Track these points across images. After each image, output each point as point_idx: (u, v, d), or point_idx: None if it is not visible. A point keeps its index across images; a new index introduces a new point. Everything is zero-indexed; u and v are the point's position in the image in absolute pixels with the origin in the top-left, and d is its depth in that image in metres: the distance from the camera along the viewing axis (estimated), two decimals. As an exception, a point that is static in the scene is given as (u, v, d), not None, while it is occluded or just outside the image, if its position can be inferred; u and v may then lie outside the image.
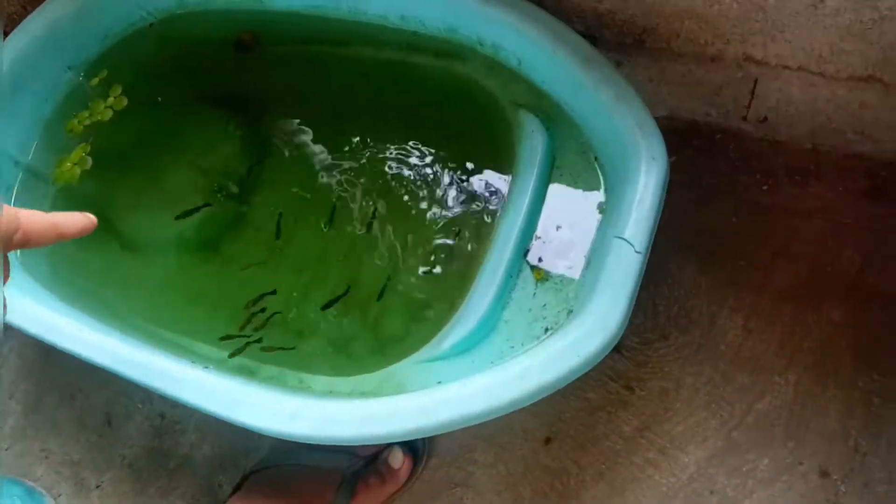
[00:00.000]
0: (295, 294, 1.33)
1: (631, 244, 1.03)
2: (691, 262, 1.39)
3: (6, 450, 1.39)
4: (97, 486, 1.37)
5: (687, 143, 1.40)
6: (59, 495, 1.37)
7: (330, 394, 1.17)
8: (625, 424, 1.29)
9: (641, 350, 1.27)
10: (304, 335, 1.30)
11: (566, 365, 0.98)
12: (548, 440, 1.30)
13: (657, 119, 1.13)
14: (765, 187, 1.43)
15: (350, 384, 1.17)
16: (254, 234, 1.40)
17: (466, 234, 1.28)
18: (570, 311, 1.12)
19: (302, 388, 1.18)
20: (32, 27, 1.39)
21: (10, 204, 1.19)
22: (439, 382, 1.11)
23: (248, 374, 1.23)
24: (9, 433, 1.41)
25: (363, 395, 1.15)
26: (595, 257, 1.13)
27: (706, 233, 1.46)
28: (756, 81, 1.33)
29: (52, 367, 1.40)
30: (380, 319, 1.28)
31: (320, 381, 1.18)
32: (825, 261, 1.33)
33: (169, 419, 1.40)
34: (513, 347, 1.13)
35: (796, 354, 1.19)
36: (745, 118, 1.45)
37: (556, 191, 1.24)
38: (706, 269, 1.40)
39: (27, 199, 1.36)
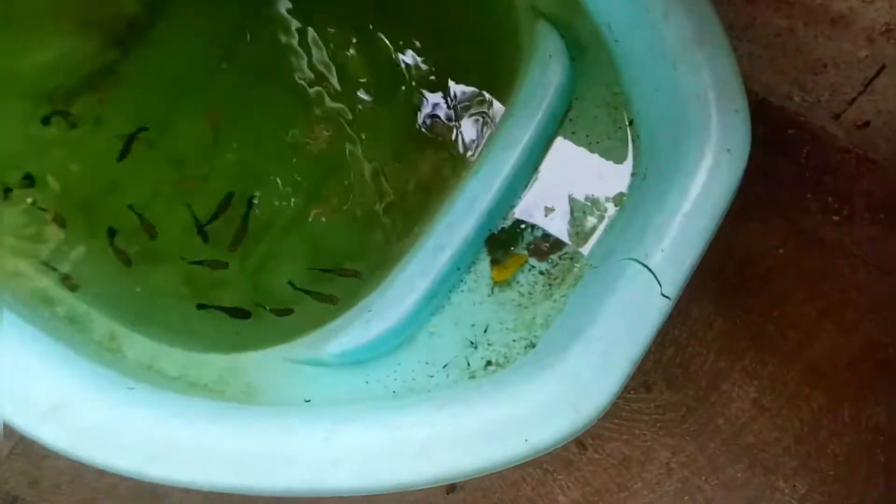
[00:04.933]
0: (165, 195, 0.90)
1: (657, 280, 0.63)
2: (708, 294, 1.00)
3: None
4: None
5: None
6: None
7: (148, 369, 0.77)
8: (560, 493, 0.93)
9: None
10: (151, 259, 0.89)
11: (503, 449, 0.60)
12: (451, 488, 0.93)
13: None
14: (835, 218, 1.03)
15: (180, 363, 0.77)
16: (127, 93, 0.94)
17: (410, 186, 0.85)
18: (532, 346, 0.73)
19: (109, 349, 0.77)
20: None
21: None
22: (307, 401, 0.72)
23: (49, 304, 0.81)
24: None
25: (193, 385, 0.75)
26: (594, 277, 0.73)
27: (740, 259, 1.06)
28: (882, 69, 0.91)
29: None
30: (257, 275, 0.86)
31: (140, 344, 0.78)
32: (890, 340, 0.95)
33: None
34: (431, 376, 0.74)
35: (815, 459, 0.94)
36: (837, 117, 1.03)
37: (560, 152, 0.81)
38: (725, 308, 1.01)
39: None
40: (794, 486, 0.93)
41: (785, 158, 1.11)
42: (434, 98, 0.96)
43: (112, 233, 0.89)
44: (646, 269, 0.64)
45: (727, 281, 1.03)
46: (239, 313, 0.86)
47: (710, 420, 0.96)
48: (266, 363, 0.79)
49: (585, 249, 0.77)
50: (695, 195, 0.66)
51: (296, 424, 0.67)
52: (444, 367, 0.75)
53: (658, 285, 0.63)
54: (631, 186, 0.79)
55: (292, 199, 0.94)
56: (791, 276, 1.02)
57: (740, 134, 0.69)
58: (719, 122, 0.70)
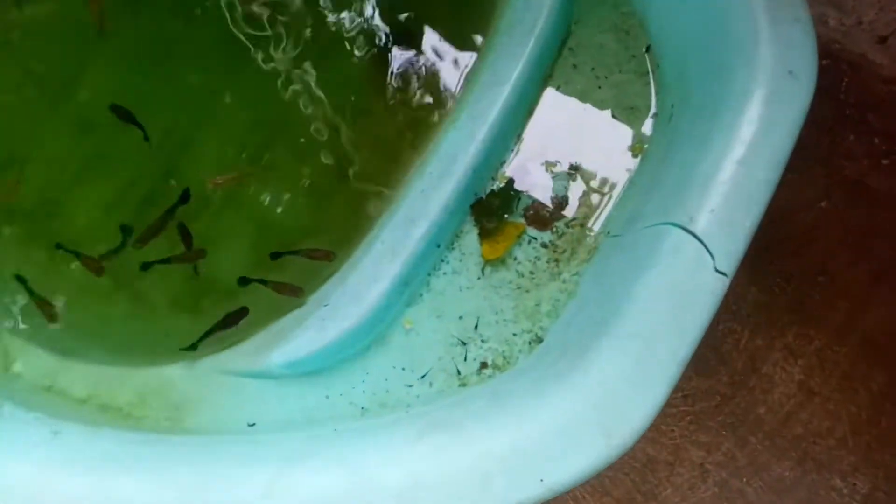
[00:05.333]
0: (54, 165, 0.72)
1: (708, 250, 0.46)
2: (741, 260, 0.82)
3: None
4: None
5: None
6: None
7: (47, 390, 0.59)
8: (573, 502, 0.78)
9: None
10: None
11: (509, 495, 0.43)
12: None
13: None
14: (884, 162, 0.87)
15: (86, 381, 0.60)
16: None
17: (376, 146, 0.68)
18: (538, 341, 0.57)
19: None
20: None
21: None
22: (251, 425, 0.55)
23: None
24: None
25: (104, 409, 0.58)
26: (615, 249, 0.56)
27: (776, 216, 0.87)
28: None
29: None
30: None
31: (35, 358, 0.60)
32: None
33: None
34: (409, 386, 0.58)
35: (877, 451, 0.79)
36: (884, 40, 0.87)
37: (559, 91, 0.64)
38: (761, 275, 0.85)
39: None
40: (854, 484, 0.78)
41: (820, 95, 0.93)
42: (402, 40, 0.77)
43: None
44: (691, 237, 0.47)
45: (761, 243, 0.86)
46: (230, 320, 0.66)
47: (750, 409, 0.80)
48: (198, 377, 0.62)
49: (600, 214, 0.60)
50: (749, 136, 0.49)
51: (230, 466, 0.50)
52: (427, 373, 0.59)
53: (710, 258, 0.46)
54: (654, 130, 0.62)
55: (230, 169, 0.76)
56: (836, 233, 0.85)
57: (805, 49, 0.52)
58: (774, 37, 0.52)
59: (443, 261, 0.61)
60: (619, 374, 0.45)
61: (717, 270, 0.46)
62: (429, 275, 0.61)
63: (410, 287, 0.59)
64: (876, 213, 0.86)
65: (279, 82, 0.77)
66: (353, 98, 0.73)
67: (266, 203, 0.74)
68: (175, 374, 0.62)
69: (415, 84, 0.70)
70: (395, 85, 0.71)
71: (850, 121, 0.90)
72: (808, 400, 0.81)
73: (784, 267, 0.85)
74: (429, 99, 0.68)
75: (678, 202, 0.48)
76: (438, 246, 0.60)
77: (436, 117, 0.67)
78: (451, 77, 0.69)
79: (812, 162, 0.89)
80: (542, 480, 0.44)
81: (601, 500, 0.80)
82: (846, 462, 0.78)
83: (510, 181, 0.62)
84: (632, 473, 0.80)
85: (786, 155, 0.48)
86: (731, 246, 0.46)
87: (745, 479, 0.79)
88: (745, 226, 0.46)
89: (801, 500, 0.78)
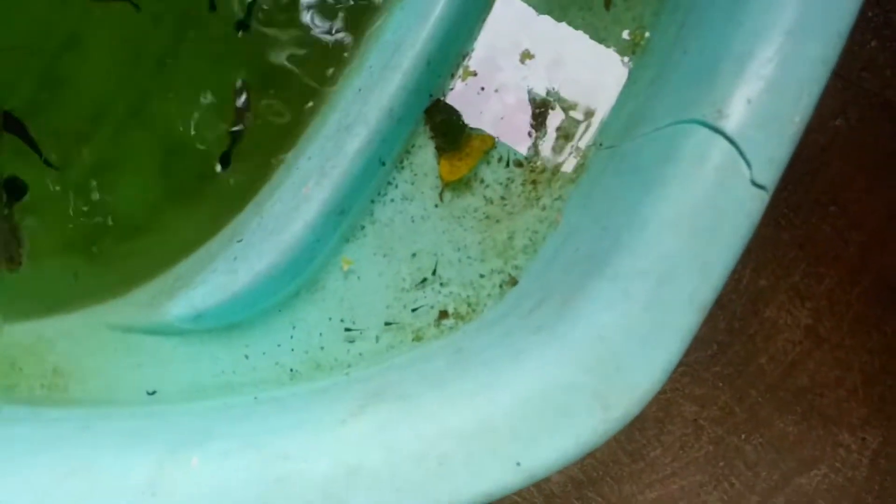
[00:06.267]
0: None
1: (742, 155, 0.34)
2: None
3: None
4: None
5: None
6: None
7: None
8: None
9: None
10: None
11: (476, 483, 0.31)
12: None
13: None
14: (908, 74, 0.75)
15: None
16: None
17: (303, 29, 0.53)
18: (511, 283, 0.45)
19: None
20: None
21: None
22: (151, 394, 0.43)
23: None
24: None
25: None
26: (610, 163, 0.43)
27: None
28: None
29: None
30: (87, 190, 0.55)
31: None
32: None
33: None
34: (350, 342, 0.45)
35: (890, 402, 0.72)
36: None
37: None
38: (766, 207, 0.71)
39: None
40: (864, 439, 0.69)
41: None
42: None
43: None
44: (720, 137, 0.34)
45: (767, 168, 0.74)
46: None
47: (750, 359, 0.71)
48: (81, 334, 0.49)
49: (591, 119, 0.47)
50: (798, -3, 0.36)
51: (107, 451, 0.38)
52: (370, 326, 0.46)
53: (745, 166, 0.34)
54: (656, 13, 0.48)
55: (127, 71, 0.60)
56: (852, 157, 0.74)
57: None
58: None
59: (389, 183, 0.48)
60: (620, 324, 0.34)
61: (753, 183, 0.34)
62: (372, 201, 0.47)
63: (347, 216, 0.46)
64: (896, 134, 0.75)
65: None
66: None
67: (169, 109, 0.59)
68: (49, 330, 0.48)
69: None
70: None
71: (872, 24, 0.78)
72: (815, 347, 0.71)
73: (792, 196, 0.74)
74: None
75: (702, 91, 0.36)
76: (383, 163, 0.47)
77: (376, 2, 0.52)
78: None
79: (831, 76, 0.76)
80: (518, 464, 0.33)
81: (581, 461, 0.70)
82: (856, 415, 0.69)
83: (475, 77, 0.48)
84: (617, 433, 0.70)
85: (849, 22, 0.35)
86: (773, 150, 0.34)
87: (743, 436, 0.70)
88: (793, 121, 0.34)
89: (804, 457, 0.69)
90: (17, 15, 0.57)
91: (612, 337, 0.34)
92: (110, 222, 0.57)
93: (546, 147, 0.48)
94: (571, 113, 0.48)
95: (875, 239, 0.72)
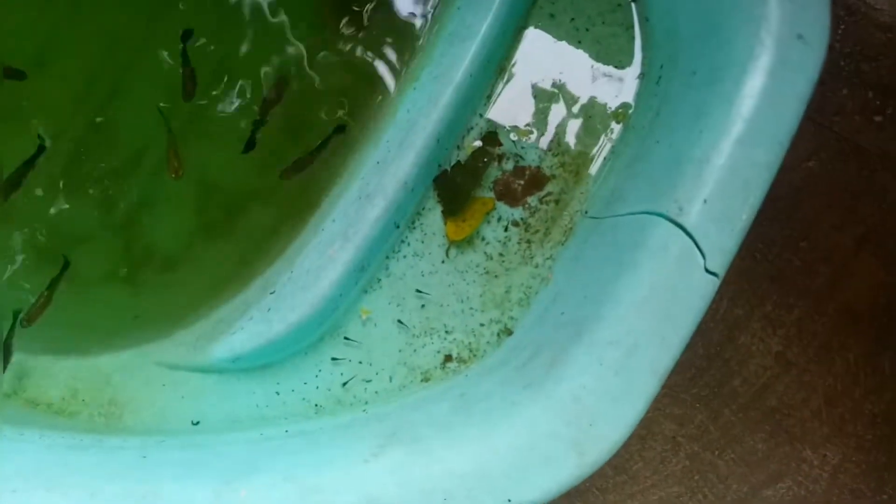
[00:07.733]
0: None
1: (699, 247, 0.41)
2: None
3: None
4: None
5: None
6: None
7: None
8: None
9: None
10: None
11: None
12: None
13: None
14: (877, 118, 0.82)
15: (11, 373, 0.54)
16: None
17: (326, 105, 0.60)
18: (507, 333, 0.52)
19: None
20: None
21: None
22: (195, 424, 0.50)
23: None
24: None
25: (32, 405, 0.53)
26: (594, 232, 0.50)
27: None
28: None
29: None
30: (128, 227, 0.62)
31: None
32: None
33: None
34: (367, 381, 0.52)
35: (850, 422, 0.78)
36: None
37: (534, 45, 0.56)
38: (743, 241, 0.78)
39: None
40: (825, 455, 0.77)
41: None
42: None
43: None
44: (680, 231, 0.41)
45: (744, 206, 0.81)
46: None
47: (725, 382, 0.78)
48: (133, 369, 0.56)
49: (579, 190, 0.54)
50: (750, 110, 0.43)
51: (169, 480, 0.45)
52: (384, 367, 0.53)
53: (700, 256, 0.41)
54: (639, 93, 0.55)
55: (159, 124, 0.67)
56: (822, 195, 0.81)
57: (818, 8, 0.44)
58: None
59: (403, 241, 0.55)
60: (595, 386, 0.41)
61: (707, 271, 0.41)
62: (387, 258, 0.54)
63: (367, 272, 0.53)
64: (865, 175, 0.82)
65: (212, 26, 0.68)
66: (305, 52, 0.64)
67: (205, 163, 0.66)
68: (106, 365, 0.56)
69: (370, 36, 0.61)
70: (346, 33, 0.63)
71: (844, 73, 0.84)
72: (784, 371, 0.78)
73: (766, 231, 0.81)
74: (386, 54, 0.60)
75: (666, 187, 0.43)
76: (397, 226, 0.54)
77: (393, 77, 0.59)
78: (411, 29, 0.60)
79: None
80: (509, 501, 0.40)
81: (570, 473, 0.78)
82: (819, 434, 0.77)
83: (478, 151, 0.55)
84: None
85: (789, 135, 0.42)
86: (724, 242, 0.41)
87: (716, 452, 0.77)
88: (740, 219, 0.41)
89: (771, 472, 0.77)
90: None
91: (589, 397, 0.41)
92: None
93: (539, 210, 0.55)
94: (561, 181, 0.55)
95: (841, 272, 0.79)
